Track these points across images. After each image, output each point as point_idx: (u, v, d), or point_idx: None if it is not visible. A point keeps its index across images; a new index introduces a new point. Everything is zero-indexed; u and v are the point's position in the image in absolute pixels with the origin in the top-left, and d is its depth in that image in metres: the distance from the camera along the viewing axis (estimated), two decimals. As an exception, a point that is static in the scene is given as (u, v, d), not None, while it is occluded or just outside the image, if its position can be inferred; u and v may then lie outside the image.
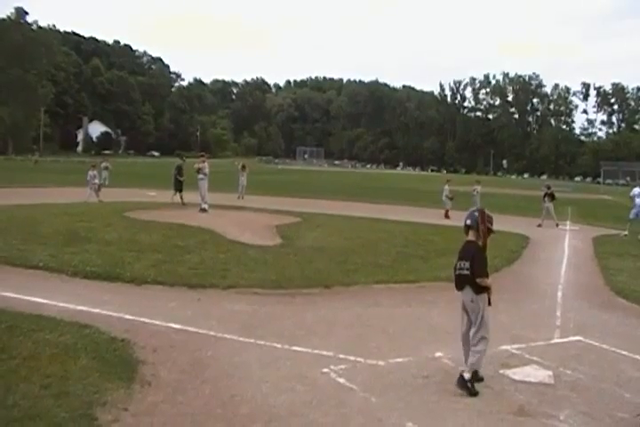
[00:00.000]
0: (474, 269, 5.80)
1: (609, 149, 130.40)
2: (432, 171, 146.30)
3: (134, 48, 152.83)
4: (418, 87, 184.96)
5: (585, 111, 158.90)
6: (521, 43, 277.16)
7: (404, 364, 6.48)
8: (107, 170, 34.02)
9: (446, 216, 23.99)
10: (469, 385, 5.63)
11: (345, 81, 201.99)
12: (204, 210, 20.38)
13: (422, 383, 5.93)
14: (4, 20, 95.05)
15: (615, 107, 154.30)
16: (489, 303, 5.91)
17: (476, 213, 6.00)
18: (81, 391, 5.00)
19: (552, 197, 23.41)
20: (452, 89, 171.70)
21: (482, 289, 5.83)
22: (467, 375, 5.66)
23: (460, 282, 5.95)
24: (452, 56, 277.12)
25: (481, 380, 5.91)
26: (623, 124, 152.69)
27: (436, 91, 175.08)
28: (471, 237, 5.97)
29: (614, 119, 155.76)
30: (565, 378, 6.29)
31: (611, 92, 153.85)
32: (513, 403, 5.54)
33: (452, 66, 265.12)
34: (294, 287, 9.67)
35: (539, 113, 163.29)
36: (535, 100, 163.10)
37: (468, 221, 5.97)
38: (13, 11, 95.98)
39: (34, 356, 5.70)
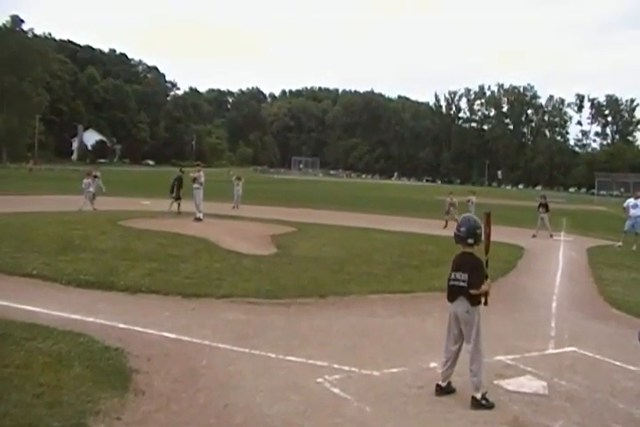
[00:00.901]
0: (471, 281, 5.71)
1: (603, 161, 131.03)
2: (427, 181, 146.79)
3: (130, 57, 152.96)
4: (413, 98, 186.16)
5: (579, 122, 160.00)
6: (516, 54, 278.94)
7: (399, 374, 6.47)
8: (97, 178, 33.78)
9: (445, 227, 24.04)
10: (484, 402, 5.59)
11: (340, 91, 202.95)
12: (198, 219, 20.39)
13: (417, 393, 5.92)
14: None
15: (609, 118, 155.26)
16: (485, 303, 5.82)
17: (476, 222, 5.89)
18: (74, 400, 4.97)
19: (546, 207, 23.47)
20: (447, 100, 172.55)
21: (478, 301, 5.80)
22: (478, 395, 5.61)
23: (454, 293, 5.85)
24: (448, 67, 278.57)
25: (453, 391, 5.91)
26: (617, 136, 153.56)
27: (432, 101, 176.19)
28: (468, 248, 5.86)
29: (608, 131, 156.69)
30: (560, 389, 6.29)
31: (605, 103, 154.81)
32: (507, 413, 5.53)
33: (448, 77, 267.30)
34: (289, 297, 9.65)
35: (533, 124, 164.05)
36: (530, 111, 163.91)
37: (470, 240, 5.81)
38: (9, 19, 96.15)
39: (27, 364, 5.67)
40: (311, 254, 14.06)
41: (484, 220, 5.97)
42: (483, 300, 5.81)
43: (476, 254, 5.84)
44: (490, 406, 5.58)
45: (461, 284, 5.79)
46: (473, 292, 5.71)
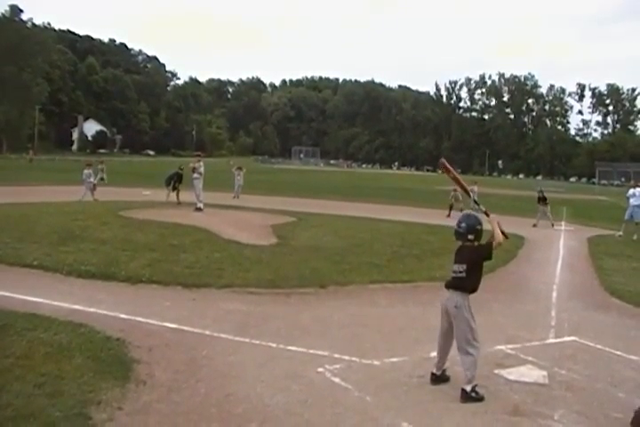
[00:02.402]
0: (474, 266, 5.73)
1: (604, 150, 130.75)
2: (427, 171, 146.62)
3: (130, 46, 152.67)
4: (413, 87, 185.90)
5: (580, 112, 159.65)
6: (517, 43, 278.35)
7: (400, 363, 6.49)
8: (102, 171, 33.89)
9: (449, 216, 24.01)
10: (473, 395, 5.56)
11: (341, 80, 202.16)
12: (199, 209, 20.38)
13: (417, 383, 5.93)
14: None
15: (610, 108, 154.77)
16: (506, 237, 5.92)
17: (477, 219, 5.84)
18: (75, 391, 4.98)
19: (545, 200, 23.46)
20: (447, 89, 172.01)
21: (472, 289, 5.78)
22: (468, 387, 5.58)
23: (452, 283, 5.83)
24: (448, 56, 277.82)
25: (447, 380, 5.94)
26: (618, 125, 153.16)
27: (432, 91, 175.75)
28: (468, 244, 5.81)
29: (609, 120, 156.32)
30: (560, 378, 6.30)
31: (606, 93, 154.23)
32: (508, 403, 5.54)
33: (448, 66, 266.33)
34: (290, 287, 9.66)
35: (534, 113, 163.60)
36: (530, 101, 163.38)
37: (471, 236, 5.77)
38: (8, 8, 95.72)
39: (28, 355, 5.68)
40: (312, 244, 14.06)
41: (442, 167, 6.21)
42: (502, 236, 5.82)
43: (474, 245, 5.81)
44: (479, 398, 5.55)
45: (459, 275, 5.79)
46: (495, 244, 5.74)
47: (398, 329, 7.91)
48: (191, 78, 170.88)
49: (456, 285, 5.80)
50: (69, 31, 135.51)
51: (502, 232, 5.80)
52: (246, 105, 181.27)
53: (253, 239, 14.35)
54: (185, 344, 6.65)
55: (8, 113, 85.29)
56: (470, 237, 5.78)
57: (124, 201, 22.21)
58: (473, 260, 5.76)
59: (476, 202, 5.98)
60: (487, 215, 5.85)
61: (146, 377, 5.57)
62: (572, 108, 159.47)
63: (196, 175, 21.44)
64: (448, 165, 6.26)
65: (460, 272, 5.78)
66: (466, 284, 5.76)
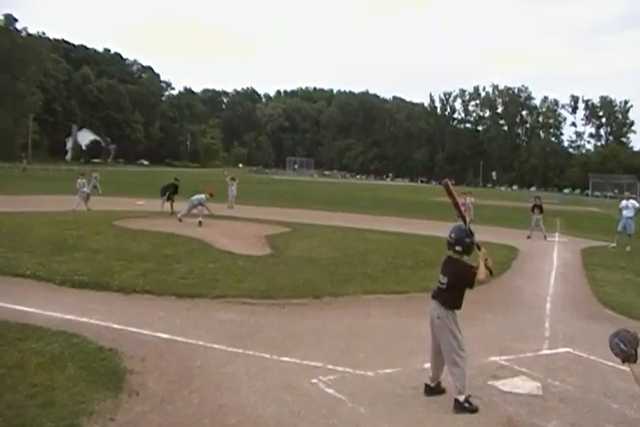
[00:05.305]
0: (452, 282, 5.73)
1: (597, 162, 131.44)
2: (421, 182, 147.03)
3: (124, 56, 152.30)
4: (408, 99, 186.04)
5: (573, 124, 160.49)
6: (511, 55, 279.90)
7: (393, 375, 6.47)
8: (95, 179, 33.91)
9: None
10: (467, 405, 5.56)
11: (335, 91, 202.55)
12: (179, 220, 20.28)
13: (411, 394, 5.92)
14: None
15: (603, 120, 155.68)
16: (491, 273, 5.73)
17: (466, 231, 5.88)
18: (67, 401, 4.96)
19: (541, 209, 23.44)
20: (441, 101, 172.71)
21: (453, 305, 5.78)
22: (461, 398, 5.59)
23: (436, 292, 5.91)
24: (442, 68, 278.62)
25: (442, 391, 5.92)
26: (611, 137, 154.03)
27: (426, 102, 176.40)
28: (456, 255, 5.84)
29: (602, 132, 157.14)
30: (554, 389, 6.30)
31: (599, 105, 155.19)
32: (502, 414, 5.54)
33: (442, 78, 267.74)
34: (283, 297, 9.65)
35: (528, 125, 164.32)
36: (524, 113, 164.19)
37: (458, 248, 5.80)
38: (2, 17, 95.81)
39: (20, 365, 5.65)
40: (306, 255, 14.05)
41: (445, 188, 6.05)
42: (487, 272, 5.66)
43: (461, 260, 5.83)
44: (473, 409, 5.55)
45: (442, 286, 5.85)
46: (478, 279, 5.62)
47: (392, 340, 7.90)
48: (186, 88, 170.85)
49: (439, 296, 5.86)
50: (64, 40, 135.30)
51: (489, 269, 5.73)
52: (241, 115, 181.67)
53: (247, 250, 14.35)
54: (178, 355, 6.63)
55: (2, 122, 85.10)
56: (458, 248, 5.82)
57: (117, 211, 22.18)
58: (454, 278, 5.77)
59: (471, 232, 5.95)
60: (479, 249, 5.83)
61: (139, 388, 5.54)
62: (565, 119, 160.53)
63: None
64: (451, 188, 6.18)
65: (443, 284, 5.85)
66: (446, 297, 5.80)
